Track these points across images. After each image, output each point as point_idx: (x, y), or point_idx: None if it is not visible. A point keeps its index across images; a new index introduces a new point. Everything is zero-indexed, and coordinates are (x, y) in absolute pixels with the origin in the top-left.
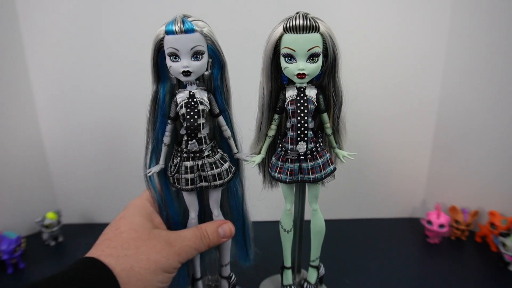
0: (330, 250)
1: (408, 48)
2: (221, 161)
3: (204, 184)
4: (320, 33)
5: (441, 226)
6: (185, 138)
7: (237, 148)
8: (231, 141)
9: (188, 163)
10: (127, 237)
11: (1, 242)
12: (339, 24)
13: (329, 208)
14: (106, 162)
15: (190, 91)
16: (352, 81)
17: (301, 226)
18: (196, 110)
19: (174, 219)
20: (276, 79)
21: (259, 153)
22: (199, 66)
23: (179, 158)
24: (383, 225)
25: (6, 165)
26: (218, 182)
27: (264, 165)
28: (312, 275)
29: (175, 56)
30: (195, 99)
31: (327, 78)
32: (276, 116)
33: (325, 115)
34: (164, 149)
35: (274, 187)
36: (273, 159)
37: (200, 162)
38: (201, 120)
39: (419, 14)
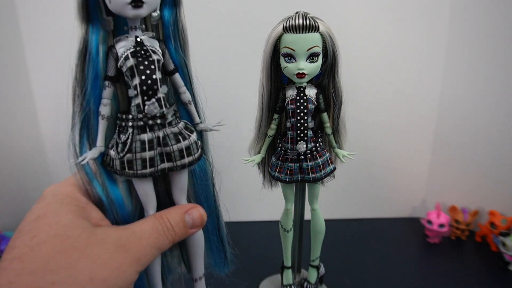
0: (330, 250)
1: (409, 48)
2: (187, 132)
3: (167, 165)
4: (319, 32)
5: (441, 225)
6: (138, 100)
7: (199, 117)
8: (192, 107)
9: (146, 136)
10: (51, 251)
11: (1, 242)
12: (339, 23)
13: (329, 208)
14: None
15: (136, 37)
16: (352, 81)
17: (301, 226)
18: (150, 59)
19: (126, 222)
20: (276, 78)
21: (259, 152)
22: None
23: (130, 130)
24: (383, 225)
25: (6, 165)
26: (187, 160)
27: (264, 165)
28: (312, 275)
29: None
30: (144, 47)
31: (326, 77)
32: (275, 116)
33: (325, 115)
34: (102, 124)
35: (274, 186)
36: (273, 158)
37: (161, 134)
38: (158, 74)
39: (419, 14)
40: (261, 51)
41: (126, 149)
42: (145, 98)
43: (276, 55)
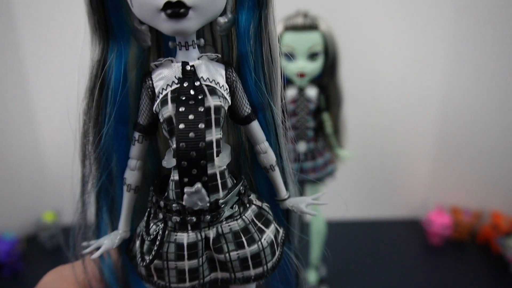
0: (331, 250)
1: (411, 49)
2: (260, 223)
3: (220, 275)
4: (320, 31)
5: (443, 227)
6: (175, 176)
7: (287, 188)
8: (275, 175)
9: (185, 236)
10: None
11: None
12: (340, 24)
13: (329, 208)
14: None
15: (184, 63)
16: (353, 81)
17: (301, 226)
18: (200, 109)
19: None
20: None
21: None
22: None
23: (161, 225)
24: (384, 225)
25: (5, 166)
26: (253, 272)
27: None
28: (312, 275)
29: None
30: (197, 83)
31: (327, 78)
32: None
33: (325, 115)
34: (128, 197)
35: None
36: None
37: (211, 233)
38: (215, 134)
39: (421, 15)
40: None
41: (153, 253)
42: (185, 180)
43: None
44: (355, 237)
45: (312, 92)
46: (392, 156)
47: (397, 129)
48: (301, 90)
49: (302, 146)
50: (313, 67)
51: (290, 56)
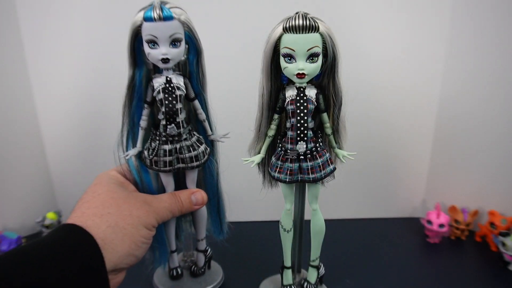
0: (330, 250)
1: (408, 48)
2: (198, 144)
3: (181, 165)
4: (319, 33)
5: (441, 225)
6: (163, 122)
7: (211, 130)
8: (206, 124)
9: (167, 146)
10: (106, 197)
11: (1, 242)
12: (338, 24)
13: (329, 208)
14: (106, 163)
15: (167, 77)
16: (352, 81)
17: (301, 226)
18: (174, 95)
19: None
20: (276, 79)
21: (259, 153)
22: (178, 53)
23: (157, 142)
24: (383, 225)
25: (6, 165)
26: (195, 164)
27: (264, 165)
28: (312, 275)
29: (153, 43)
30: (172, 85)
31: (326, 78)
32: (275, 116)
33: (324, 115)
34: (141, 133)
35: (273, 187)
36: (273, 159)
37: (178, 145)
38: (179, 105)
39: (419, 13)
40: (261, 52)
41: (154, 154)
42: (168, 123)
43: (276, 56)
44: (354, 236)
45: (312, 92)
46: (391, 156)
47: (396, 129)
48: (300, 90)
49: (301, 146)
50: (313, 67)
51: (289, 57)
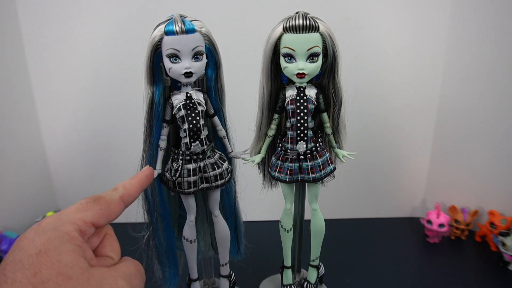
0: (330, 250)
1: (408, 48)
2: (221, 161)
3: (205, 185)
4: (319, 33)
5: (441, 225)
6: (186, 140)
7: (231, 147)
8: (226, 141)
9: (191, 166)
10: None
11: (1, 242)
12: (338, 24)
13: (329, 208)
14: (106, 162)
15: (187, 93)
16: (352, 81)
17: (301, 226)
18: (196, 111)
19: (165, 220)
20: (276, 78)
21: (259, 152)
22: (200, 66)
23: (180, 161)
24: (383, 225)
25: (7, 165)
26: (219, 182)
27: (264, 165)
28: (312, 275)
29: (175, 57)
30: (192, 100)
31: (326, 78)
32: (276, 116)
33: (325, 115)
34: (160, 154)
35: (274, 186)
36: (273, 158)
37: (202, 164)
38: (202, 121)
39: (419, 13)
40: (261, 52)
41: (177, 175)
42: (191, 140)
43: (276, 55)
44: (354, 236)
45: (312, 92)
46: (391, 156)
47: (396, 129)
48: (300, 90)
49: (301, 146)
50: (313, 67)
51: (290, 57)
